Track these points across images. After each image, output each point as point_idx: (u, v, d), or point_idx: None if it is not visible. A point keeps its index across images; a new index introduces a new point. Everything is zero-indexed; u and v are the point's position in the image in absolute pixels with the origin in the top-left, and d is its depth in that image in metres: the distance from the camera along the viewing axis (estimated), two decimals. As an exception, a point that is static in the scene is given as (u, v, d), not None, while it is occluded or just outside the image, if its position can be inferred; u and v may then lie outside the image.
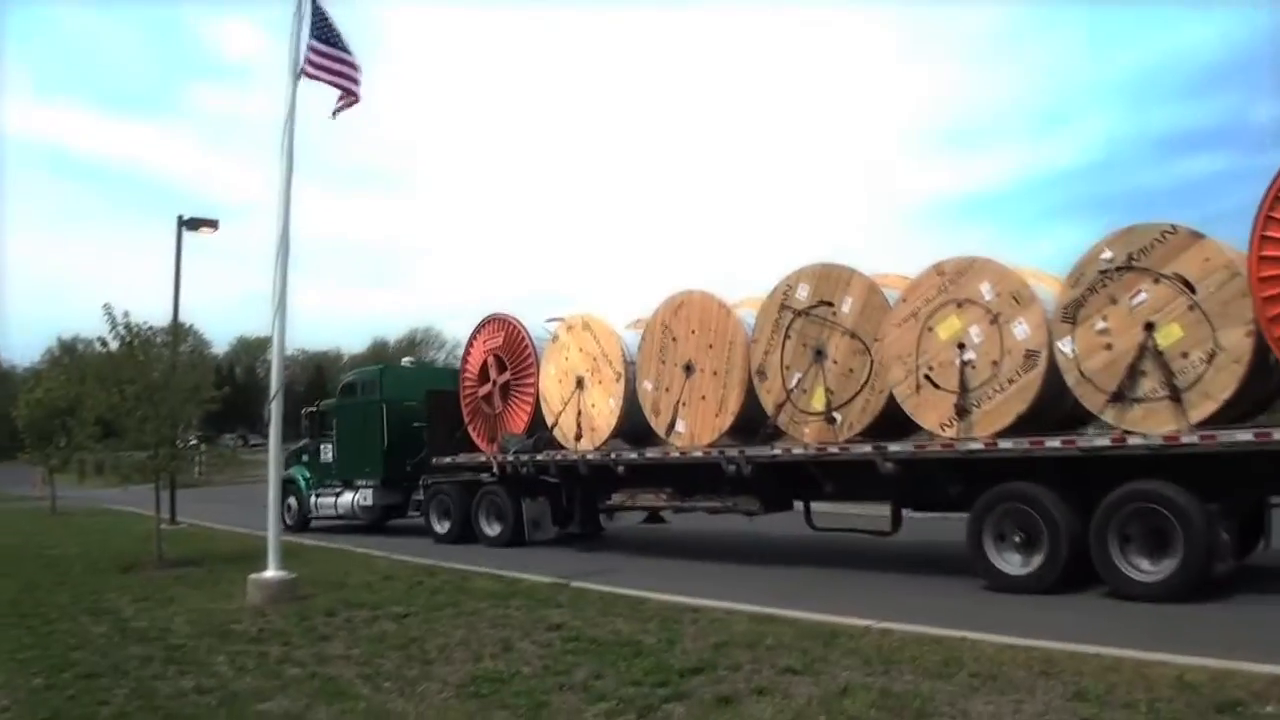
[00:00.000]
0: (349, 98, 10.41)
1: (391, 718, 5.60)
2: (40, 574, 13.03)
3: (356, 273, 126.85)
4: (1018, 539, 9.46)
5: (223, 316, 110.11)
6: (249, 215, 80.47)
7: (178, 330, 14.47)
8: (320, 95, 10.56)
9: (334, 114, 10.49)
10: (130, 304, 14.01)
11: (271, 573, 10.07)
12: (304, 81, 10.42)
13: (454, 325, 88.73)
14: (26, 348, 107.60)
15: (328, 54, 10.31)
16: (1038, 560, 9.24)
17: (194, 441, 19.77)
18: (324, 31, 10.33)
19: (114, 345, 13.59)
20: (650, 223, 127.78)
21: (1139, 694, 5.30)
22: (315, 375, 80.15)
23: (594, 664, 6.57)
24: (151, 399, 13.38)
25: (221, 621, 8.82)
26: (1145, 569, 8.65)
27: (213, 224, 22.83)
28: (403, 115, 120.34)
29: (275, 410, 10.58)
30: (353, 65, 10.40)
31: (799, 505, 12.30)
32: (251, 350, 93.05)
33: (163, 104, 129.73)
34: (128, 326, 13.52)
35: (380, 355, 74.56)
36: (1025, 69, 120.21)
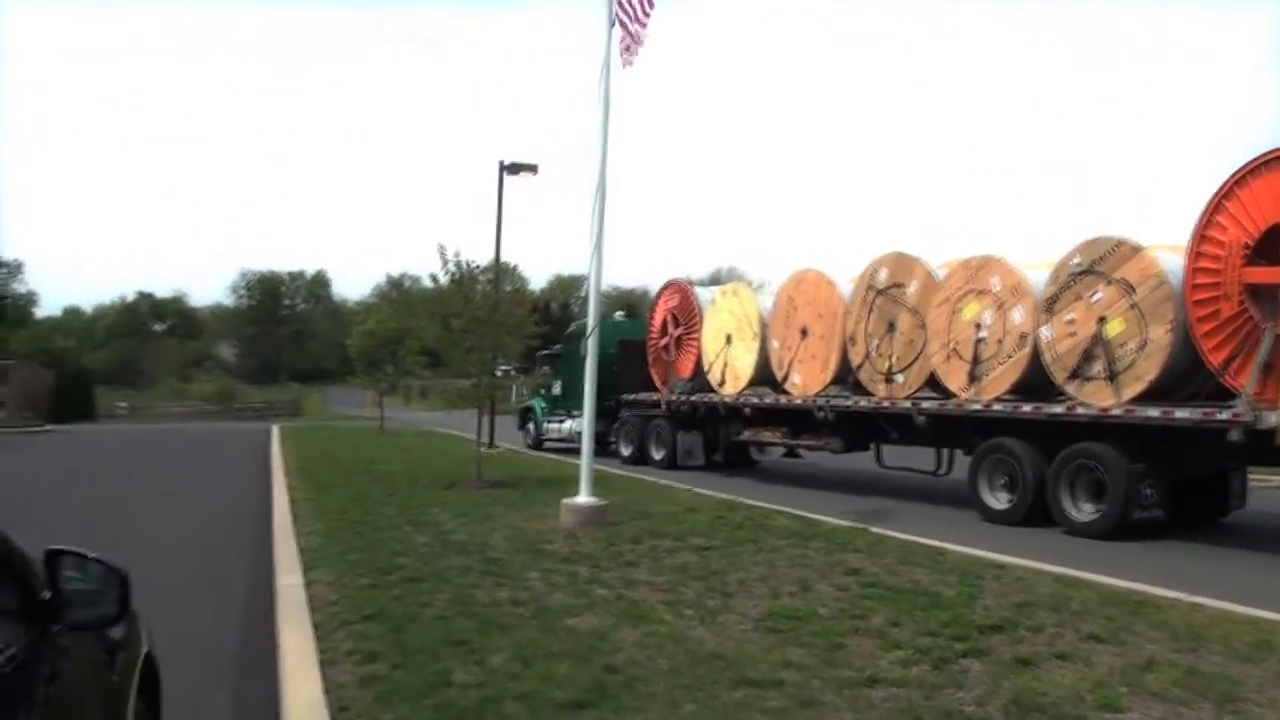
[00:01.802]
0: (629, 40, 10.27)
1: (692, 643, 5.71)
2: (369, 487, 13.91)
3: (670, 210, 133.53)
4: (1002, 482, 11.92)
5: (540, 252, 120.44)
6: (568, 154, 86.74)
7: (500, 269, 15.88)
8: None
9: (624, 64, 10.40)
10: (453, 244, 14.82)
11: (583, 498, 10.51)
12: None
13: (758, 266, 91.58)
14: (356, 283, 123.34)
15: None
16: (1015, 499, 11.69)
17: (512, 371, 22.71)
18: None
19: (444, 281, 14.50)
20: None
21: None
22: (626, 312, 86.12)
23: (891, 611, 6.48)
24: (477, 332, 14.24)
25: (535, 540, 9.23)
26: (1088, 512, 10.91)
27: (533, 168, 23.19)
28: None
29: (591, 346, 11.17)
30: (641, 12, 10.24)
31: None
32: (566, 287, 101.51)
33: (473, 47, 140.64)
34: (457, 264, 14.35)
35: (683, 293, 78.26)
36: None
